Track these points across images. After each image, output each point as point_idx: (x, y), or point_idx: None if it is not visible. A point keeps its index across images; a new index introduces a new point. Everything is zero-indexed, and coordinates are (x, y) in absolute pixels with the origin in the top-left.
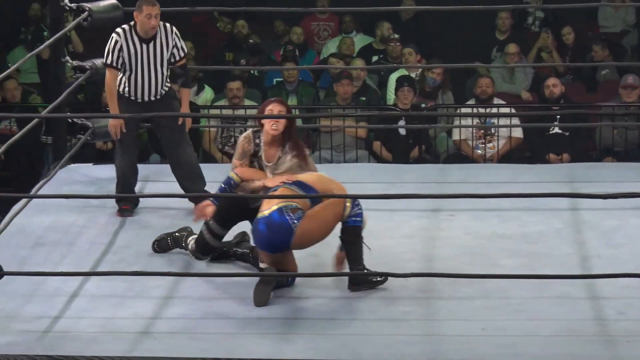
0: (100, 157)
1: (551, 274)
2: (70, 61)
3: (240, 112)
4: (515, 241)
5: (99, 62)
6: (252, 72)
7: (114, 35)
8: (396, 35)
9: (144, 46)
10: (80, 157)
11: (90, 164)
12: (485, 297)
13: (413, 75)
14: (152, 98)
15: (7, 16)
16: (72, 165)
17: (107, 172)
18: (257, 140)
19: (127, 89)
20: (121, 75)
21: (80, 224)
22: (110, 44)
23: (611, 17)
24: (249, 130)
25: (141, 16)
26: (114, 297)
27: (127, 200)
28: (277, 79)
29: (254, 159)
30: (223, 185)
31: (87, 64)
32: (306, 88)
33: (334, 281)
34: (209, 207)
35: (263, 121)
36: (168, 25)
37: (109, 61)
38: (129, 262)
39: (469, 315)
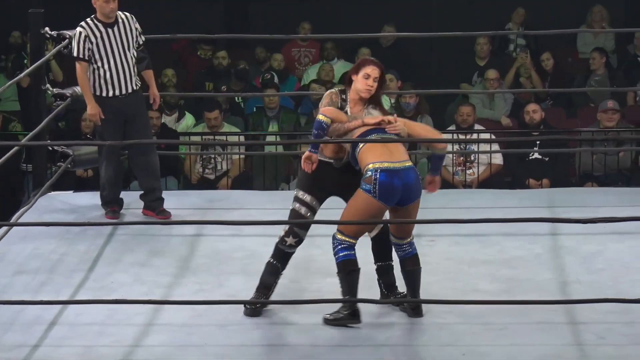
0: (80, 185)
1: (532, 299)
2: (51, 89)
3: (221, 138)
4: (496, 266)
5: (77, 89)
6: (235, 98)
7: (77, 28)
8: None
9: (109, 31)
10: (61, 184)
11: (71, 192)
12: (466, 323)
13: (392, 100)
14: (126, 91)
15: None
16: (53, 192)
17: (87, 200)
18: (343, 96)
19: (100, 84)
20: (92, 68)
21: (61, 251)
22: (75, 37)
23: (590, 42)
24: (334, 88)
25: (99, 1)
26: (94, 324)
27: (114, 202)
28: (258, 105)
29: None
30: (315, 131)
31: (68, 91)
32: (287, 114)
33: (316, 307)
34: (312, 155)
35: (357, 79)
36: (127, 13)
37: (76, 53)
38: (110, 289)
39: (450, 341)
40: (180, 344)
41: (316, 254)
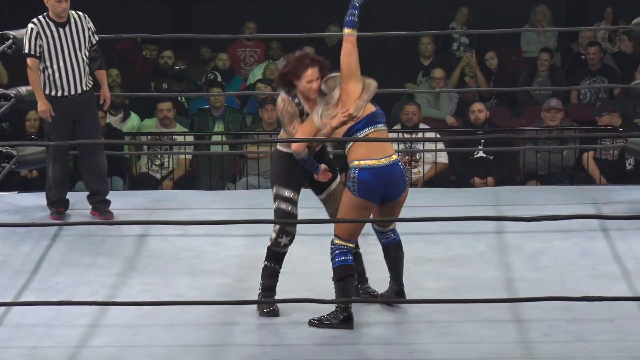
0: (25, 186)
1: (477, 297)
2: None
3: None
4: (441, 264)
5: (23, 89)
6: (179, 98)
7: (29, 25)
8: None
9: (60, 30)
10: (5, 185)
11: (15, 192)
12: (411, 321)
13: None
14: (75, 91)
15: None
16: None
17: (32, 201)
18: (295, 100)
19: (50, 83)
20: (42, 67)
21: (5, 252)
22: (26, 34)
23: (533, 41)
24: (282, 95)
25: (51, 0)
26: (39, 326)
27: (60, 203)
28: (204, 106)
29: (301, 117)
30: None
31: (12, 91)
32: (233, 114)
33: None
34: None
35: (300, 84)
36: (80, 12)
37: (27, 49)
38: (55, 290)
39: (395, 340)
40: (126, 344)
41: (263, 253)
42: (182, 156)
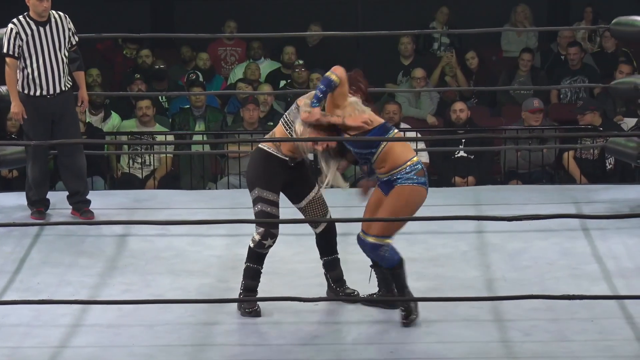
0: (5, 186)
1: (458, 296)
2: None
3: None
4: (422, 264)
5: (4, 89)
6: (159, 98)
7: (9, 24)
8: (301, 61)
9: (41, 29)
10: None
11: None
12: (393, 321)
13: None
14: (54, 91)
15: None
16: None
17: (13, 200)
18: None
19: (29, 82)
20: (22, 66)
21: None
22: (6, 34)
23: (514, 41)
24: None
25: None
26: (20, 326)
27: (40, 203)
28: (185, 106)
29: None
30: (322, 87)
31: None
32: (214, 114)
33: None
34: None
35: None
36: (61, 13)
37: (5, 49)
38: (36, 290)
39: (377, 339)
40: (107, 344)
41: (244, 253)
42: (164, 155)
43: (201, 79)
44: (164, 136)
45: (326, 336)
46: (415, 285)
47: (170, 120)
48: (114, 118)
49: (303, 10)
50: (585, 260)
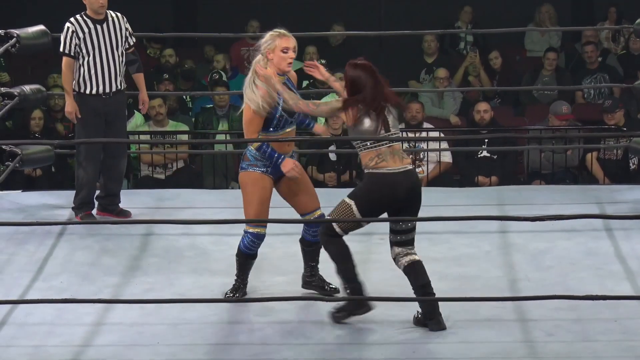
0: (29, 184)
1: (481, 296)
2: None
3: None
4: (445, 264)
5: (27, 88)
6: (184, 97)
7: (66, 24)
8: (323, 61)
9: (98, 27)
10: (9, 184)
11: (19, 191)
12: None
13: None
14: (110, 89)
15: None
16: (1, 192)
17: (36, 199)
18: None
19: (85, 80)
20: (78, 64)
21: (10, 251)
22: (63, 33)
23: (538, 41)
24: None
25: None
26: (43, 324)
27: (87, 206)
28: (208, 105)
29: None
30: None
31: (16, 90)
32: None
33: (265, 306)
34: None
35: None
36: (118, 13)
37: (62, 48)
38: (59, 289)
39: (399, 339)
40: (130, 343)
41: (266, 252)
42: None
43: (225, 78)
44: (187, 136)
45: (349, 335)
46: (438, 285)
47: (193, 119)
48: (137, 118)
49: (326, 10)
50: (609, 261)
